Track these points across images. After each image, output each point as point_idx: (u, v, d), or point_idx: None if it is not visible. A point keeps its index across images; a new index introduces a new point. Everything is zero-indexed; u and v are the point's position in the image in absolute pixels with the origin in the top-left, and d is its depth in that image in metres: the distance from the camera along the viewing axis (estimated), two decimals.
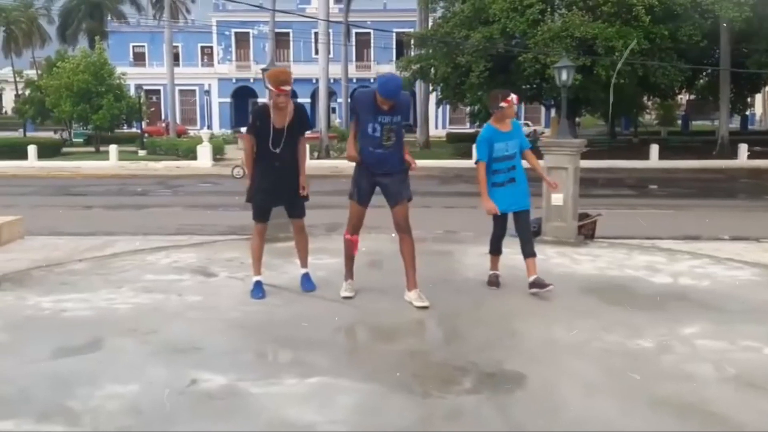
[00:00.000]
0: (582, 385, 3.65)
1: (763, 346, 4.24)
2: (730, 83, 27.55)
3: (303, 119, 5.34)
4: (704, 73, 30.27)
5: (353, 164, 5.26)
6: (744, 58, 25.92)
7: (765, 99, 53.07)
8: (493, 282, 5.63)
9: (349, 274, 5.39)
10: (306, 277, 5.57)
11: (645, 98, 35.62)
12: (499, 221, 5.60)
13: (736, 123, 41.44)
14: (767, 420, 3.25)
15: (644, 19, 21.58)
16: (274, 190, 5.34)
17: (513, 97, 5.48)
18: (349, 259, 5.37)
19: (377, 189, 5.24)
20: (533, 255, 5.42)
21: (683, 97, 43.42)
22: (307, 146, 6.15)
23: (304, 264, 5.60)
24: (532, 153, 5.65)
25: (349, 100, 41.86)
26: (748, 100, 38.41)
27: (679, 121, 47.40)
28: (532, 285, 5.35)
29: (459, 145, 31.07)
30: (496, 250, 5.69)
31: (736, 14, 21.40)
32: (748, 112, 42.83)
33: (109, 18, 56.45)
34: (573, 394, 3.54)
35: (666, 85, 25.15)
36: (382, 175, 5.12)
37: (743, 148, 24.70)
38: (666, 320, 4.75)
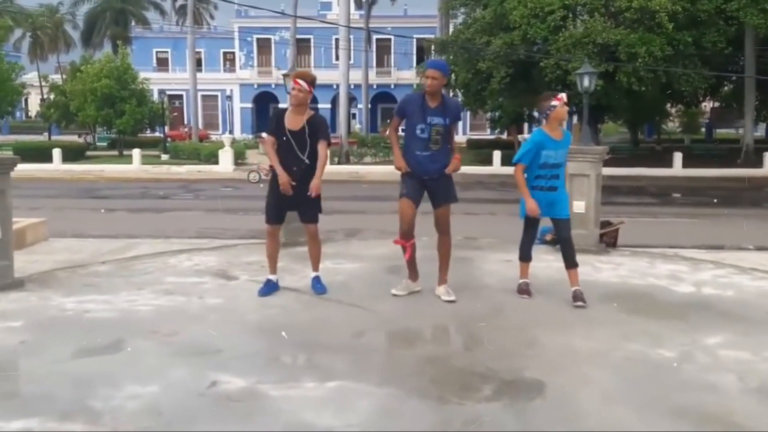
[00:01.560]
0: (602, 394, 3.62)
1: None
2: (755, 91, 27.17)
3: (319, 126, 5.35)
4: (729, 81, 29.87)
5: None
6: None
7: None
8: (524, 290, 5.51)
9: (413, 274, 5.49)
10: (316, 280, 5.60)
11: (668, 105, 35.25)
12: (530, 225, 5.55)
13: (761, 131, 40.80)
14: None
15: (667, 26, 21.37)
16: (286, 193, 5.36)
17: (563, 95, 5.41)
18: (410, 263, 5.42)
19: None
20: (575, 266, 5.38)
21: (707, 105, 42.83)
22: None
23: (315, 268, 5.64)
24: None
25: (369, 105, 42.16)
26: None
27: (703, 129, 46.85)
28: (576, 297, 5.28)
29: (479, 151, 30.96)
30: (526, 257, 5.60)
31: (761, 21, 21.13)
32: None
33: (133, 24, 57.19)
34: (592, 403, 3.50)
35: (689, 92, 24.86)
36: (428, 180, 5.21)
37: None
38: (688, 330, 4.69)
